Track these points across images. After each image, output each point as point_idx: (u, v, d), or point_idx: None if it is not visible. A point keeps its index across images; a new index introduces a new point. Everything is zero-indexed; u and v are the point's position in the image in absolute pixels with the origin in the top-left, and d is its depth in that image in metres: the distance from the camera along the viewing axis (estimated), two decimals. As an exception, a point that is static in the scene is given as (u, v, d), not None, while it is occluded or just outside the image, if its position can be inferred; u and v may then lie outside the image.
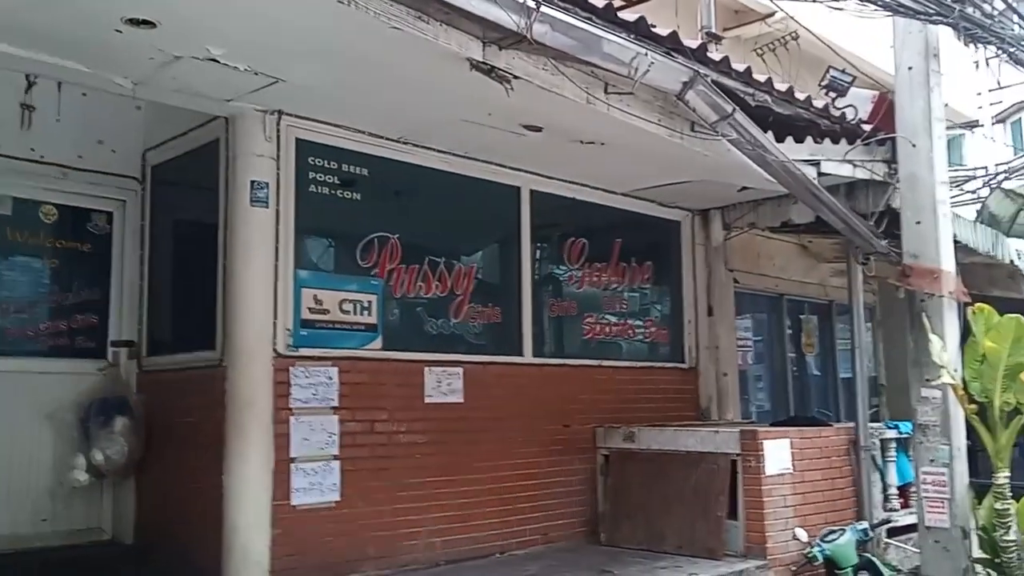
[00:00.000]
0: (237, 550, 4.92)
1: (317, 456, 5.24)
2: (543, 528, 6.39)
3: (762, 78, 5.68)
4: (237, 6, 4.07)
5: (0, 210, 5.61)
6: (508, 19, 4.27)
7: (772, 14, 9.53)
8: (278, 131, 5.38)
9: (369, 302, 5.71)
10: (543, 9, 4.32)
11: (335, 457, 5.31)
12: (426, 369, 5.90)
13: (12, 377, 5.47)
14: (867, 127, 6.31)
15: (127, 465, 5.58)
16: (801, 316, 10.05)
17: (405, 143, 5.95)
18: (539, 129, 5.71)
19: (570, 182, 7.00)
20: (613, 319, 7.47)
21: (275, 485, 5.05)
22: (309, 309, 5.41)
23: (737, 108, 5.21)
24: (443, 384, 5.97)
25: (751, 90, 5.58)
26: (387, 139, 5.86)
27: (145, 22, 4.14)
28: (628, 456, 6.68)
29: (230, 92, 5.06)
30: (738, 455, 6.07)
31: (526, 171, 6.70)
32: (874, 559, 5.97)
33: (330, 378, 5.37)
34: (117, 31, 4.23)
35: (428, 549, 5.70)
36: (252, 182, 5.25)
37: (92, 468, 5.47)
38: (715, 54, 5.47)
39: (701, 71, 5.09)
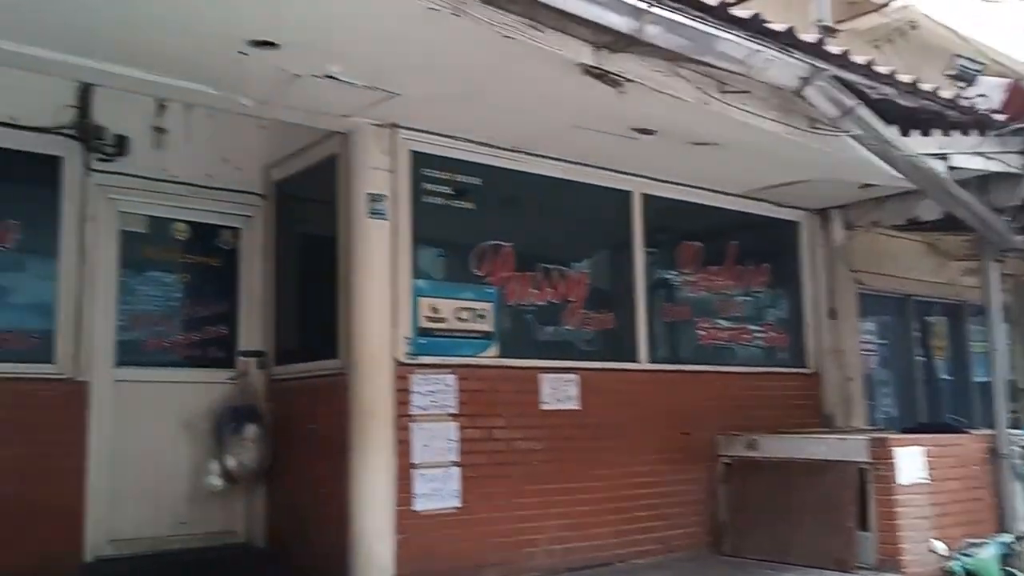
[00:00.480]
0: (363, 555, 5.03)
1: (438, 462, 5.31)
2: (663, 537, 6.28)
3: (884, 70, 5.46)
4: (355, 25, 4.17)
5: (137, 228, 5.91)
6: (620, 22, 4.25)
7: (887, 3, 9.18)
8: (394, 144, 5.49)
9: (484, 310, 5.76)
10: (655, 10, 4.28)
11: (455, 463, 5.37)
12: (541, 376, 5.91)
13: (150, 387, 5.76)
14: (999, 117, 5.99)
15: (258, 471, 5.80)
16: (929, 318, 9.61)
17: (516, 151, 5.99)
18: (651, 132, 5.65)
19: (683, 184, 6.89)
20: (729, 323, 7.30)
21: (398, 491, 5.14)
22: (426, 318, 5.50)
23: (860, 102, 5.02)
24: (558, 391, 5.96)
25: (873, 83, 5.37)
26: (499, 148, 5.91)
27: (268, 43, 4.30)
28: (750, 464, 6.51)
29: (347, 108, 5.20)
30: (868, 464, 5.82)
31: (637, 175, 6.64)
32: (1018, 574, 5.62)
33: (448, 385, 5.44)
34: (242, 53, 4.40)
35: (548, 556, 5.69)
36: (369, 195, 5.38)
37: (226, 473, 5.70)
38: (834, 48, 5.29)
39: (820, 66, 4.94)
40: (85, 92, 5.59)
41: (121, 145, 5.73)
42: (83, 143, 5.61)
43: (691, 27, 4.46)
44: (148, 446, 5.67)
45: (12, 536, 4.97)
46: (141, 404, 5.68)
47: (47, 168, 5.49)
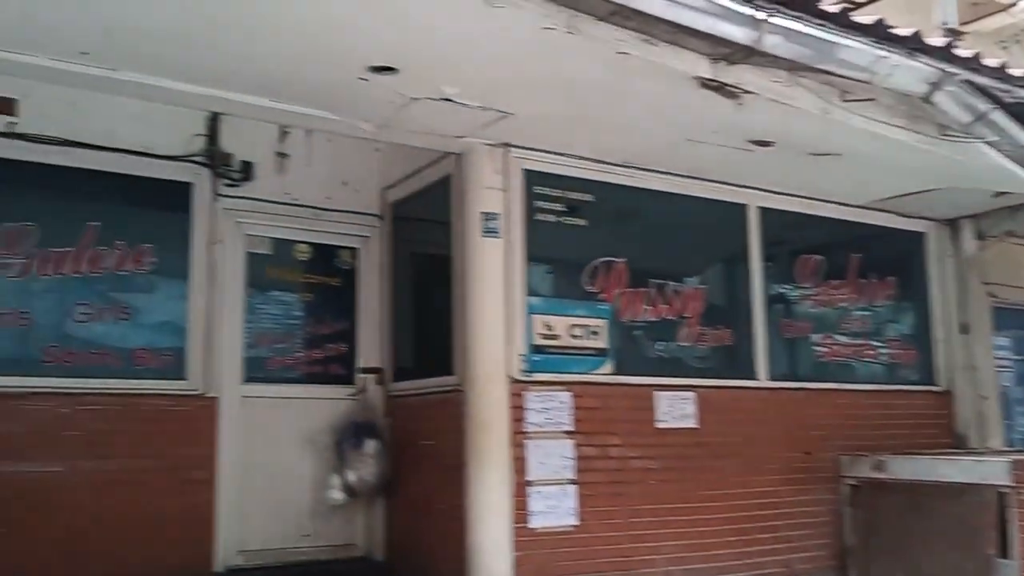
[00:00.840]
0: (481, 571, 5.05)
1: (553, 480, 5.29)
2: (785, 560, 6.07)
3: (1018, 72, 5.18)
4: (471, 47, 4.23)
5: (262, 250, 6.14)
6: (738, 33, 4.18)
7: (1015, 3, 8.74)
8: (506, 163, 5.53)
9: (598, 327, 5.73)
10: (774, 20, 4.19)
11: (571, 481, 5.34)
12: (656, 394, 5.82)
13: (275, 402, 5.96)
14: None
15: (377, 485, 5.90)
16: (1070, 332, 9.01)
17: (628, 167, 5.94)
18: (769, 143, 5.52)
19: (801, 196, 6.70)
20: (852, 339, 7.03)
21: (514, 507, 5.15)
22: (540, 335, 5.50)
23: (994, 106, 4.78)
24: (674, 409, 5.85)
25: (1007, 86, 5.09)
26: (611, 164, 5.87)
27: (388, 69, 4.41)
28: (878, 486, 6.22)
29: (461, 129, 5.27)
30: (1009, 487, 5.48)
31: (753, 188, 6.49)
32: None
33: (563, 402, 5.42)
34: (362, 79, 4.53)
35: (666, 577, 5.60)
36: (483, 214, 5.44)
37: (346, 488, 5.82)
38: (963, 51, 5.05)
39: (949, 70, 4.72)
40: (213, 121, 5.86)
41: (247, 171, 5.98)
42: (212, 169, 5.88)
43: (811, 35, 4.35)
44: (273, 460, 5.85)
45: (148, 546, 5.22)
46: (266, 419, 5.88)
47: (178, 194, 5.76)
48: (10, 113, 5.18)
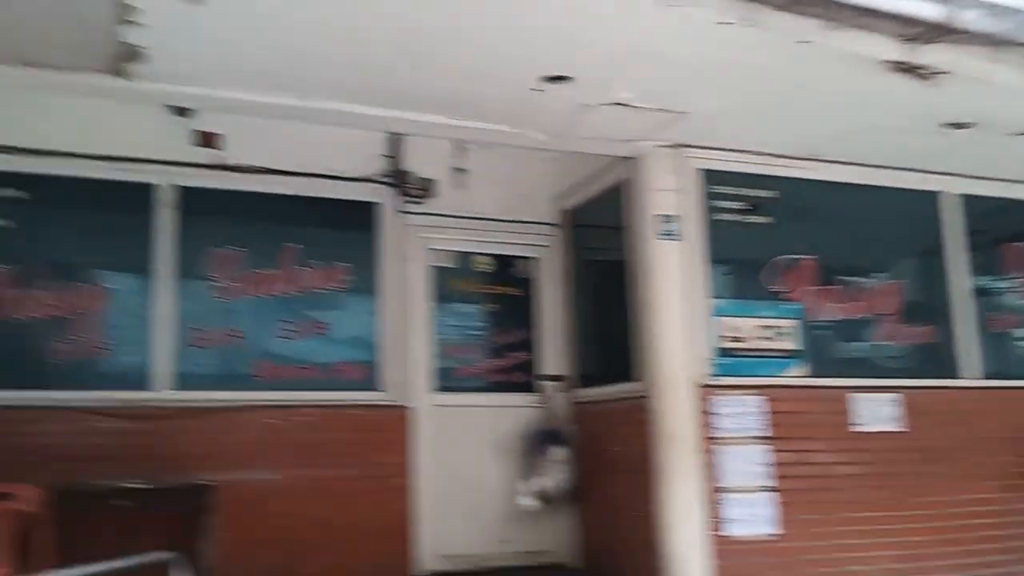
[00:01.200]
0: (677, 579, 4.99)
1: (748, 486, 5.14)
2: (1011, 573, 5.61)
3: None
4: (645, 50, 4.20)
5: (444, 263, 6.35)
6: (930, 11, 3.95)
7: None
8: (682, 164, 5.46)
9: (787, 327, 5.53)
10: (970, -6, 3.93)
11: (767, 488, 5.17)
12: (853, 396, 5.54)
13: (464, 411, 6.13)
14: None
15: (568, 492, 5.94)
16: None
17: (811, 159, 5.72)
18: (966, 125, 5.16)
19: (1004, 180, 6.22)
20: (1071, 332, 6.44)
21: (708, 515, 5.05)
22: (726, 338, 5.37)
23: None
24: (874, 411, 5.55)
25: None
26: (791, 158, 5.67)
27: (562, 78, 4.46)
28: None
29: (635, 132, 5.24)
30: None
31: (948, 173, 6.10)
32: None
33: (753, 407, 5.26)
34: (535, 90, 4.60)
35: (876, 589, 5.31)
36: (660, 216, 5.38)
37: (538, 494, 5.90)
38: None
39: None
40: (395, 141, 6.12)
41: (428, 187, 6.20)
42: (395, 188, 6.14)
43: (1014, 8, 4.04)
44: (464, 467, 6.02)
45: (349, 550, 5.46)
46: (456, 427, 6.06)
47: (365, 214, 6.05)
48: (218, 147, 5.63)
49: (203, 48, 4.07)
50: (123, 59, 4.11)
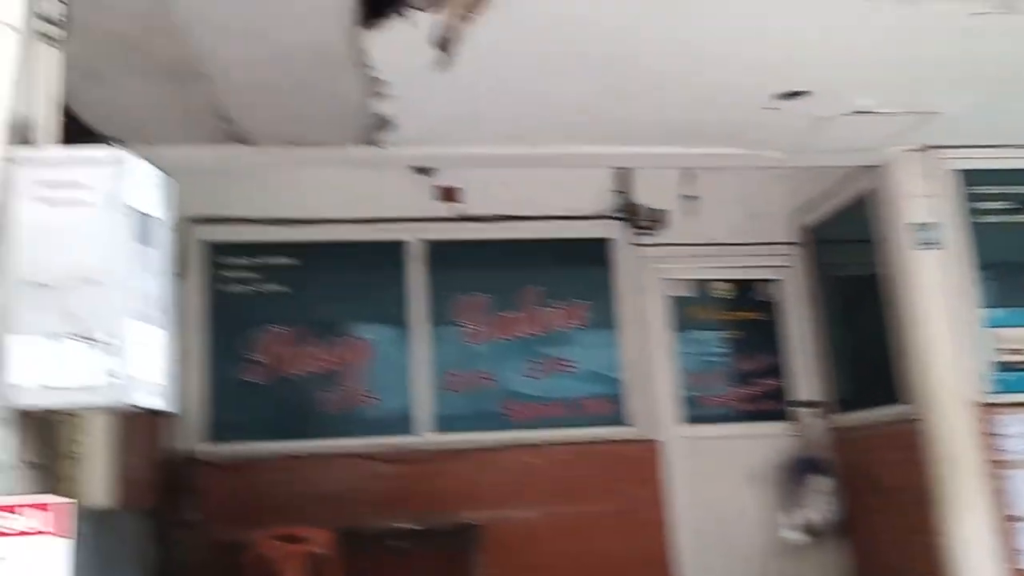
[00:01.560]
0: (973, 619, 4.57)
1: (1046, 514, 4.65)
2: None
3: None
4: (885, 52, 3.98)
5: (681, 292, 6.27)
6: None
7: None
8: (934, 167, 5.09)
9: (1075, 335, 4.97)
10: None
11: (1073, 516, 4.65)
12: None
13: (714, 442, 5.99)
14: None
15: (834, 524, 5.64)
16: None
17: (1088, 144, 5.14)
18: None
19: None
20: None
21: (1000, 546, 4.60)
22: (1003, 351, 4.90)
23: None
24: None
25: None
26: (1058, 146, 5.14)
27: (798, 93, 4.31)
28: None
29: (877, 139, 4.95)
30: None
31: None
32: None
33: (1045, 425, 4.76)
34: (768, 109, 4.47)
35: None
36: (914, 224, 5.04)
37: (803, 527, 5.65)
38: None
39: None
40: (623, 175, 6.16)
41: (660, 218, 6.18)
42: (627, 222, 6.17)
43: None
44: (719, 500, 5.86)
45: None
46: (707, 459, 5.93)
47: (600, 250, 6.14)
48: (458, 200, 5.93)
49: (443, 110, 4.32)
50: (374, 129, 4.46)
